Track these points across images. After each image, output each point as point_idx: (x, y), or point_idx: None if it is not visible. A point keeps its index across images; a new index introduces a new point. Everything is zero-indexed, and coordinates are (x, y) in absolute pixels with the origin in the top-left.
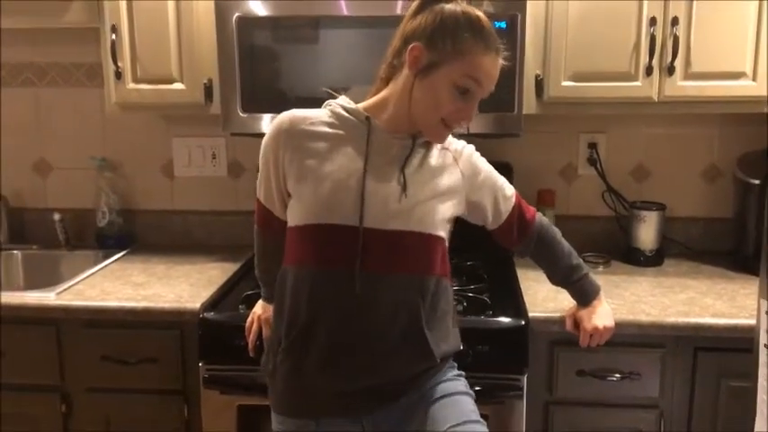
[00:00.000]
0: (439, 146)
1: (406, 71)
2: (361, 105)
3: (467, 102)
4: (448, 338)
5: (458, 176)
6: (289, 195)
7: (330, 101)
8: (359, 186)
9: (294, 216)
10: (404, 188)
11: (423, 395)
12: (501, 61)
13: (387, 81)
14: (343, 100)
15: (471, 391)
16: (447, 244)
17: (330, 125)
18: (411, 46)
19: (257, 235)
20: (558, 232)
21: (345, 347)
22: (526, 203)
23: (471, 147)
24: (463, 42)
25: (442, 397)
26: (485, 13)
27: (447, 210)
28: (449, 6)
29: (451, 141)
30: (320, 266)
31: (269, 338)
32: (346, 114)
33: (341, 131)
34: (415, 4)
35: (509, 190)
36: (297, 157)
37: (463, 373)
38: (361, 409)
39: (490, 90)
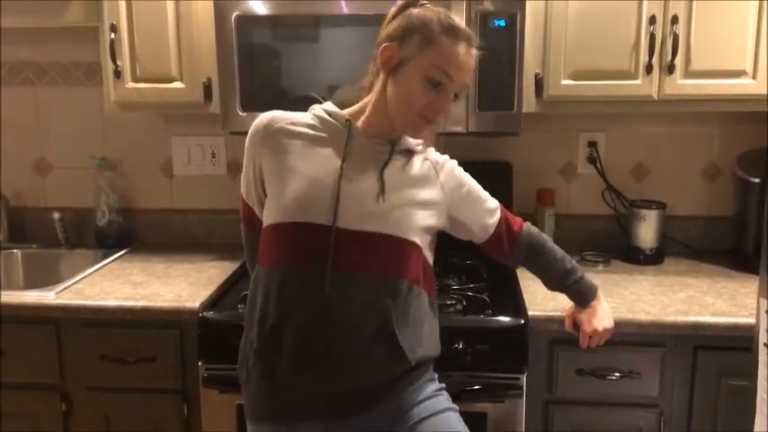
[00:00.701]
0: (421, 156)
1: (381, 74)
2: (345, 111)
3: (439, 94)
4: (422, 344)
5: (438, 189)
6: (265, 195)
7: (315, 105)
8: (334, 186)
9: (269, 215)
10: (382, 190)
11: (404, 412)
12: (474, 52)
13: (369, 90)
14: (327, 105)
15: (454, 405)
16: (427, 254)
17: (311, 127)
18: (383, 47)
19: (243, 233)
20: (548, 239)
21: (316, 348)
22: (512, 215)
23: (454, 161)
24: (431, 35)
25: (429, 416)
26: (484, 11)
27: (424, 219)
28: (418, 9)
29: (434, 154)
30: (291, 266)
31: (241, 345)
32: (328, 117)
33: (321, 134)
34: (389, 14)
35: (493, 203)
36: (273, 156)
37: (443, 385)
38: (335, 415)
39: (465, 83)
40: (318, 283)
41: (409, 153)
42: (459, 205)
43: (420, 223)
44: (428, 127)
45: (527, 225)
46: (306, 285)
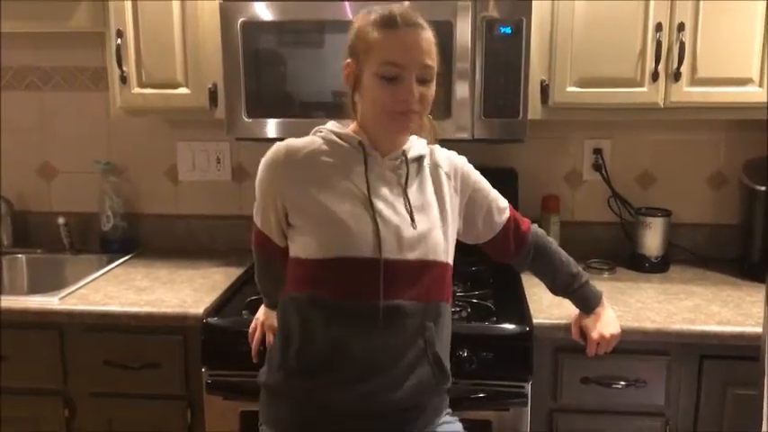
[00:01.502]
0: (431, 161)
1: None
2: (349, 129)
3: (398, 85)
4: (448, 365)
5: (453, 195)
6: (289, 225)
7: (320, 127)
8: (370, 218)
9: (305, 249)
10: (411, 216)
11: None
12: (422, 30)
13: (354, 109)
14: (332, 125)
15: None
16: None
17: (327, 154)
18: (343, 66)
19: (255, 253)
20: (553, 242)
21: (359, 371)
22: (520, 215)
23: (462, 159)
24: (368, 37)
25: None
26: (490, 18)
27: (452, 234)
28: (359, 17)
29: (442, 157)
30: (339, 298)
31: (270, 352)
32: (340, 141)
33: (338, 160)
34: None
35: (503, 202)
36: (296, 188)
37: (451, 410)
38: None
39: (422, 63)
40: (367, 315)
41: (420, 160)
42: (469, 204)
43: (450, 241)
44: (410, 120)
45: (534, 227)
46: (356, 315)
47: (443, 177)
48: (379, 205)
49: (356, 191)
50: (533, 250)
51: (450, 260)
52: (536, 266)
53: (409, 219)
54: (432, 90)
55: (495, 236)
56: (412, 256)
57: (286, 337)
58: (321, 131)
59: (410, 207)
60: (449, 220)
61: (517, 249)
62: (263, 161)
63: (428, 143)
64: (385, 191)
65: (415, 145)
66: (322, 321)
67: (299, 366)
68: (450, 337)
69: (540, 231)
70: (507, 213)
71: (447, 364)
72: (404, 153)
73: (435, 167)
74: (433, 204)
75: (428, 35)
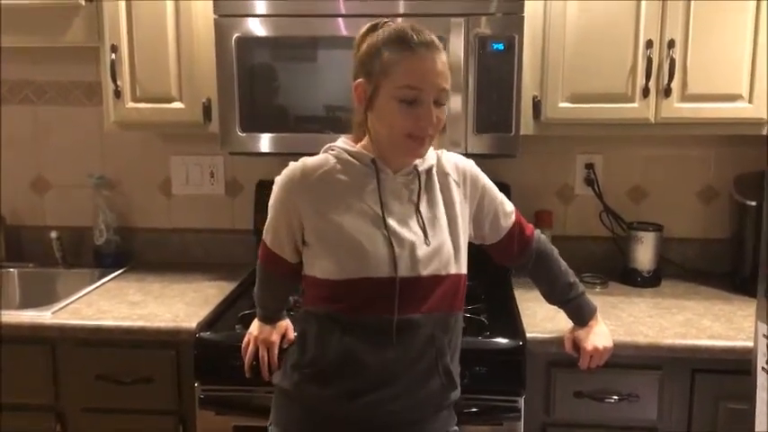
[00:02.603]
0: (438, 170)
1: (362, 110)
2: (359, 146)
3: (417, 108)
4: (458, 375)
5: (463, 202)
6: (304, 243)
7: (331, 144)
8: (386, 237)
9: (320, 269)
10: (425, 232)
11: None
12: (439, 53)
13: (363, 126)
14: (343, 143)
15: None
16: None
17: (340, 172)
18: (354, 85)
19: (260, 269)
20: (555, 250)
21: (373, 381)
22: (525, 220)
23: (470, 163)
24: (385, 59)
25: None
26: (483, 35)
27: (464, 242)
28: (372, 34)
29: (450, 164)
30: (355, 314)
31: (287, 356)
32: (352, 160)
33: (351, 178)
34: (354, 43)
35: (509, 206)
36: (315, 211)
37: (457, 429)
38: None
39: (439, 87)
40: (382, 329)
41: (430, 170)
42: (479, 209)
43: (461, 250)
44: (424, 143)
45: (538, 232)
46: (370, 330)
47: (453, 185)
48: (393, 224)
49: (370, 210)
50: (535, 255)
51: (463, 269)
52: (536, 272)
53: (423, 235)
54: (445, 113)
55: (501, 239)
56: (426, 272)
57: (303, 343)
58: (333, 149)
59: (423, 223)
60: (460, 230)
61: (520, 253)
62: (279, 181)
63: (434, 148)
64: (398, 208)
65: (426, 156)
66: (338, 333)
67: (312, 373)
68: (460, 346)
69: (543, 238)
70: (513, 218)
71: (456, 375)
72: (415, 167)
73: (444, 176)
74: (443, 216)
75: (443, 57)
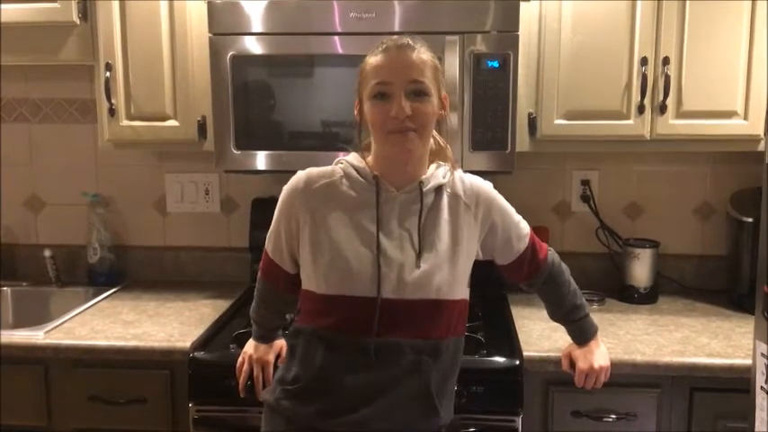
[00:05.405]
0: (449, 191)
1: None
2: (366, 163)
3: (387, 101)
4: (450, 404)
5: (472, 224)
6: (299, 251)
7: (341, 158)
8: (374, 258)
9: (311, 282)
10: (419, 255)
11: None
12: (411, 51)
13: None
14: (353, 158)
15: None
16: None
17: (344, 186)
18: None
19: (260, 282)
20: (567, 270)
21: (351, 401)
22: (539, 241)
23: (487, 185)
24: (365, 68)
25: None
26: (478, 52)
27: (466, 269)
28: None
29: (464, 186)
30: (336, 332)
31: (278, 371)
32: (357, 175)
33: (354, 193)
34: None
35: (524, 229)
36: (313, 220)
37: None
38: None
39: (409, 78)
40: (363, 349)
41: (439, 190)
42: (490, 232)
43: (460, 276)
44: (407, 138)
45: (551, 254)
46: (352, 348)
47: (462, 208)
48: (385, 244)
49: (365, 228)
50: (546, 277)
51: (460, 295)
52: (544, 292)
53: (414, 258)
54: (428, 106)
55: (512, 262)
56: (414, 296)
57: (290, 360)
58: (342, 163)
59: (418, 245)
60: (462, 254)
61: (529, 275)
62: (284, 188)
63: (451, 171)
64: (395, 228)
65: (436, 174)
66: (321, 351)
67: (294, 390)
68: (458, 371)
69: (557, 260)
70: (526, 242)
71: (446, 402)
72: (420, 185)
73: (455, 197)
74: (446, 239)
75: (420, 55)
